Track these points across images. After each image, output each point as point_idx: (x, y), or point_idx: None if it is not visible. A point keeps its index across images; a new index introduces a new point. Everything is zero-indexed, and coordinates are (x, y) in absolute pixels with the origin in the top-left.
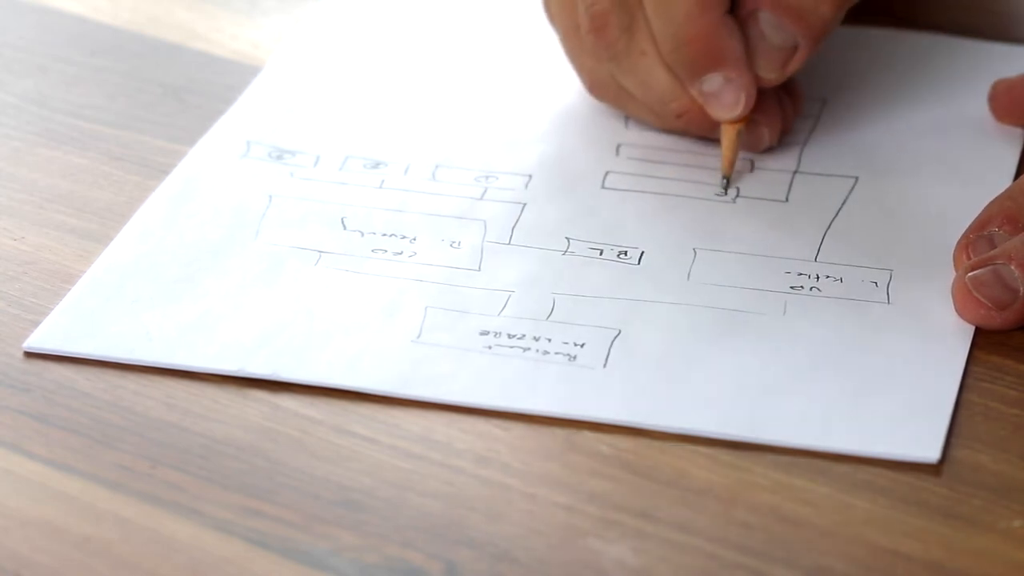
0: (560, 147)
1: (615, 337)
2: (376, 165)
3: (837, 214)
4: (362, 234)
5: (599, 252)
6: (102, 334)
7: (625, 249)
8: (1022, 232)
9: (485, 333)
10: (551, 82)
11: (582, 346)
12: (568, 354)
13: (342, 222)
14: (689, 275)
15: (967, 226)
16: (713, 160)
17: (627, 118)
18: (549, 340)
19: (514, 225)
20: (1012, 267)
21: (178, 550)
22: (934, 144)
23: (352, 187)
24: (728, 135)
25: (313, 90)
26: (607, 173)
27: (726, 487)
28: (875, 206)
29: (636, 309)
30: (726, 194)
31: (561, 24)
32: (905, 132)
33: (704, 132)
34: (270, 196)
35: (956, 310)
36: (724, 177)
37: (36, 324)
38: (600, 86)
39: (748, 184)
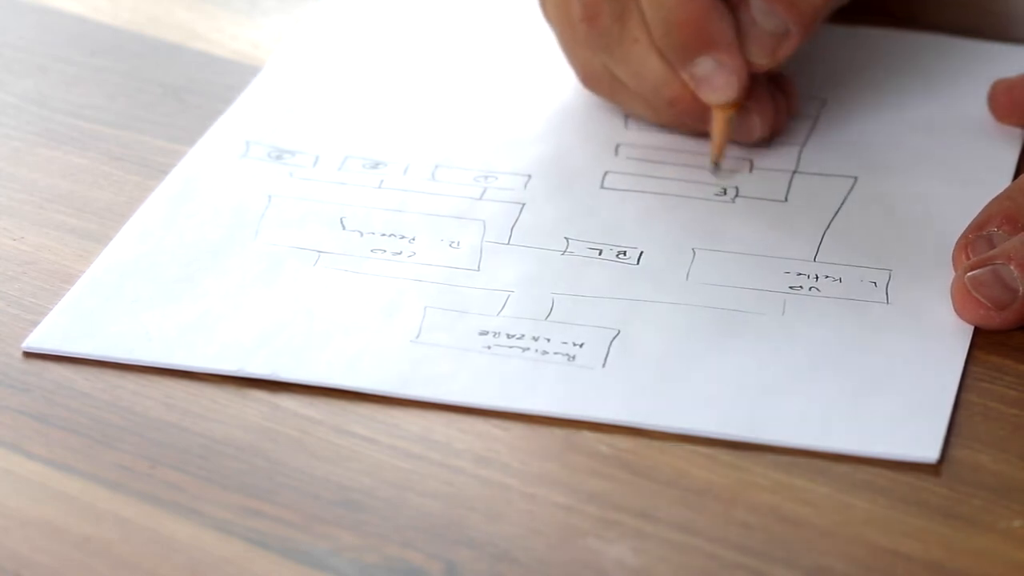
0: (559, 147)
1: (614, 337)
2: (375, 165)
3: (836, 214)
4: (361, 234)
5: (598, 252)
6: (101, 334)
7: (624, 249)
8: (1021, 232)
9: (484, 333)
10: (550, 82)
11: (581, 346)
12: (567, 354)
13: (341, 222)
14: (688, 275)
15: (966, 226)
16: None
17: (626, 118)
18: (548, 340)
19: (513, 225)
20: (1011, 267)
21: (178, 550)
22: (933, 144)
23: (351, 187)
24: (719, 120)
25: (312, 90)
26: (606, 173)
27: (726, 487)
28: (874, 206)
29: (635, 309)
30: (714, 173)
31: (556, 18)
32: (904, 132)
33: (696, 121)
34: (269, 196)
35: (955, 310)
36: (713, 163)
37: (35, 324)
38: (594, 78)
39: (747, 184)
